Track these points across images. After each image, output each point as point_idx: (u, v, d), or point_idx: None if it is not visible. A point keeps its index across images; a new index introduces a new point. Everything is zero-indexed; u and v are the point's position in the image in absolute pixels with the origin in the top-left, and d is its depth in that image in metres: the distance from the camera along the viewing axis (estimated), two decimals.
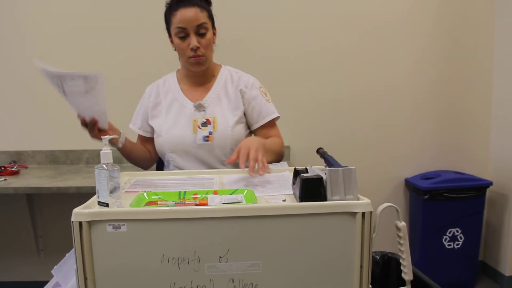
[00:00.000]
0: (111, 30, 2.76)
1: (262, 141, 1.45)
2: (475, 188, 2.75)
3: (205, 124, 1.61)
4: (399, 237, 1.02)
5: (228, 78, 1.71)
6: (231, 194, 1.13)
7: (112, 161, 1.00)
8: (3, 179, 2.40)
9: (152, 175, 1.42)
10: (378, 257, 1.51)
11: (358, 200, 0.96)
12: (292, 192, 1.12)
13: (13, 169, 2.58)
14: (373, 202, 0.94)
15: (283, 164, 2.63)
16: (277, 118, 1.73)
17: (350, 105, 2.90)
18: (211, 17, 1.61)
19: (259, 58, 2.79)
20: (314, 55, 2.84)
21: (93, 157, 2.83)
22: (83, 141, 2.72)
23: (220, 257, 0.93)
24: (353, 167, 0.97)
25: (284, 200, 1.06)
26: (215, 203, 1.03)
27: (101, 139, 1.30)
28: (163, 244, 0.92)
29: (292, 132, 2.85)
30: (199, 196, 1.11)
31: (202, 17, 1.55)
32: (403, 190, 3.01)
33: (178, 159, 1.64)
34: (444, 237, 2.77)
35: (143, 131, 1.74)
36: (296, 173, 1.10)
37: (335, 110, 2.90)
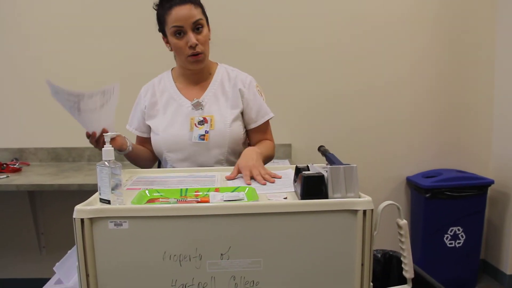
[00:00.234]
0: (107, 30, 2.76)
1: (258, 152, 1.44)
2: (476, 187, 2.75)
3: (202, 122, 1.59)
4: (400, 235, 1.02)
5: (225, 76, 1.69)
6: (232, 191, 1.13)
7: (113, 158, 1.01)
8: (5, 176, 2.40)
9: (154, 173, 1.43)
10: (379, 255, 1.51)
11: (359, 198, 0.96)
12: (293, 190, 1.12)
13: (15, 166, 2.59)
14: (375, 200, 0.94)
15: (284, 162, 2.64)
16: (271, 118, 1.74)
17: (352, 103, 2.90)
18: (204, 13, 1.59)
19: (260, 56, 2.78)
20: (315, 54, 2.84)
21: (95, 155, 2.83)
22: (85, 138, 2.74)
23: (221, 255, 0.93)
24: (355, 165, 0.97)
25: (285, 198, 1.06)
26: (217, 200, 1.03)
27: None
28: (164, 241, 0.92)
29: (294, 130, 2.86)
30: (200, 193, 1.11)
31: (197, 13, 1.52)
32: (404, 189, 3.01)
33: (175, 158, 1.62)
34: (446, 235, 2.77)
35: (140, 132, 1.72)
36: (298, 171, 1.10)
37: (337, 108, 2.90)
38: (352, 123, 2.91)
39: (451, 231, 2.77)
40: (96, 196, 1.01)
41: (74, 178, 2.38)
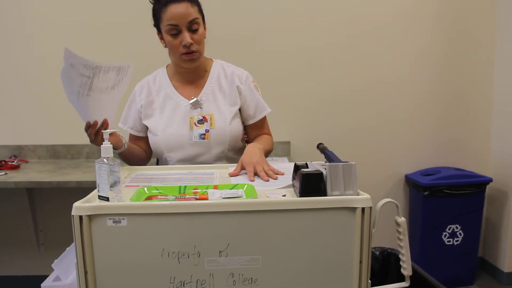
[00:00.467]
0: (101, 27, 2.75)
1: (261, 148, 1.45)
2: (475, 185, 2.76)
3: (201, 121, 1.59)
4: (399, 232, 1.02)
5: (221, 72, 1.68)
6: (231, 188, 1.13)
7: (112, 155, 1.01)
8: (3, 173, 2.40)
9: (153, 170, 1.42)
10: (377, 252, 1.51)
11: (358, 195, 0.96)
12: (292, 187, 1.12)
13: (13, 163, 2.58)
14: (373, 198, 0.94)
15: (283, 160, 2.64)
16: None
17: (351, 101, 2.90)
18: (201, 11, 1.57)
19: (260, 55, 2.78)
20: (314, 52, 2.83)
21: (94, 152, 2.83)
22: (84, 135, 2.72)
23: (220, 252, 0.93)
24: (353, 163, 0.97)
25: (284, 195, 1.06)
26: (215, 197, 1.03)
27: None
28: (163, 239, 0.92)
29: (293, 128, 2.86)
30: (199, 190, 1.11)
31: (193, 12, 1.51)
32: (403, 186, 3.01)
33: (176, 158, 1.61)
34: (444, 233, 2.78)
35: (135, 131, 1.69)
36: (296, 168, 1.10)
37: (336, 106, 2.90)
38: (351, 121, 2.91)
39: (449, 229, 2.78)
40: (94, 193, 1.01)
41: (72, 175, 2.38)
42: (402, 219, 1.01)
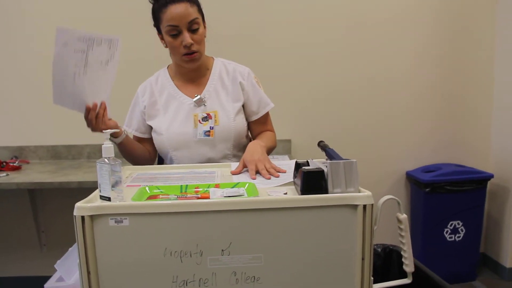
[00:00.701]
0: (103, 27, 2.75)
1: (263, 146, 1.46)
2: (476, 181, 2.75)
3: (205, 118, 1.59)
4: (400, 229, 1.02)
5: (223, 69, 1.68)
6: (232, 187, 1.14)
7: (113, 155, 1.01)
8: (4, 174, 2.40)
9: (154, 169, 1.43)
10: (379, 249, 1.51)
11: (359, 192, 0.96)
12: (293, 185, 1.13)
13: (14, 164, 2.59)
14: (374, 195, 0.94)
15: (284, 158, 2.64)
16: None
17: (351, 98, 2.89)
18: (200, 10, 1.57)
19: (260, 52, 2.78)
20: (314, 49, 2.83)
21: (95, 152, 2.83)
22: (85, 135, 2.71)
23: (222, 250, 0.93)
24: (354, 160, 0.97)
25: (285, 193, 1.06)
26: (217, 196, 1.03)
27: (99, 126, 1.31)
28: (165, 238, 0.92)
29: (293, 126, 2.85)
30: (200, 189, 1.12)
31: (193, 12, 1.50)
32: (404, 183, 3.01)
33: (181, 157, 1.61)
34: (445, 229, 2.78)
35: (140, 133, 1.70)
36: (297, 166, 1.11)
37: (336, 104, 2.89)
38: (352, 119, 2.91)
39: (451, 225, 2.78)
40: (96, 193, 1.01)
41: (74, 175, 2.38)
42: (403, 216, 1.02)
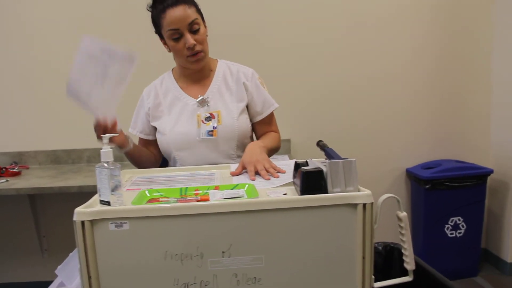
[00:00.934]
0: (107, 30, 2.75)
1: (262, 146, 1.46)
2: (476, 177, 2.76)
3: (209, 118, 1.59)
4: (401, 227, 1.02)
5: (227, 71, 1.69)
6: (232, 189, 1.14)
7: (112, 159, 1.00)
8: (4, 180, 2.40)
9: (153, 172, 1.42)
10: (380, 247, 1.51)
11: (359, 191, 0.96)
12: (293, 185, 1.13)
13: (14, 170, 2.59)
14: (375, 193, 0.94)
15: (284, 158, 2.64)
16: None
17: (350, 97, 2.90)
18: (199, 11, 1.58)
19: (258, 52, 2.78)
20: (312, 49, 2.83)
21: (95, 156, 2.83)
22: (84, 140, 2.73)
23: (222, 252, 0.93)
24: (353, 159, 0.97)
25: (285, 194, 1.06)
26: (217, 198, 1.03)
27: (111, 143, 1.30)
28: (165, 241, 0.92)
29: (292, 125, 2.86)
30: (200, 192, 1.11)
31: (191, 13, 1.51)
32: (404, 180, 3.02)
33: (185, 157, 1.62)
34: (446, 226, 2.78)
35: (144, 134, 1.71)
36: (297, 166, 1.10)
37: (335, 103, 2.90)
38: (351, 117, 2.91)
39: (451, 221, 2.78)
40: (96, 197, 1.01)
41: (74, 180, 2.38)
42: (403, 214, 1.02)
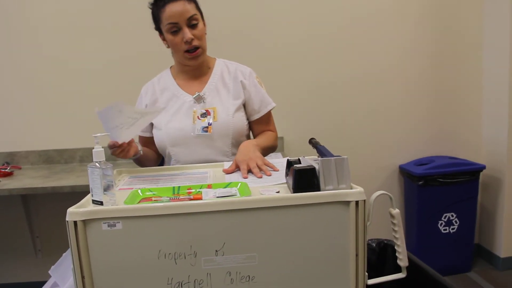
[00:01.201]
0: (107, 29, 2.74)
1: (255, 144, 1.47)
2: (468, 173, 2.77)
3: (204, 115, 1.60)
4: (394, 224, 1.03)
5: (225, 69, 1.70)
6: (225, 187, 1.14)
7: (104, 159, 1.00)
8: None
9: (146, 172, 1.42)
10: (374, 244, 1.52)
11: (351, 189, 0.97)
12: (286, 183, 1.13)
13: (6, 170, 2.57)
14: (368, 190, 0.95)
15: (277, 155, 2.64)
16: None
17: (342, 94, 2.90)
18: (198, 8, 1.60)
19: (250, 49, 2.77)
20: (304, 45, 2.83)
21: (87, 155, 2.81)
22: (76, 139, 2.71)
23: (216, 251, 0.93)
24: (345, 157, 0.97)
25: (278, 192, 1.06)
26: (209, 197, 1.03)
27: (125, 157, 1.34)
28: (159, 240, 0.92)
29: (285, 123, 2.85)
30: (193, 190, 1.11)
31: (191, 8, 1.54)
32: (397, 177, 3.03)
33: (179, 153, 1.62)
34: (440, 222, 2.80)
35: (143, 132, 1.72)
36: (289, 164, 1.11)
37: (327, 100, 2.90)
38: (343, 115, 2.92)
39: (445, 217, 2.79)
40: (88, 197, 1.01)
41: (66, 179, 2.37)
42: (396, 211, 1.02)
